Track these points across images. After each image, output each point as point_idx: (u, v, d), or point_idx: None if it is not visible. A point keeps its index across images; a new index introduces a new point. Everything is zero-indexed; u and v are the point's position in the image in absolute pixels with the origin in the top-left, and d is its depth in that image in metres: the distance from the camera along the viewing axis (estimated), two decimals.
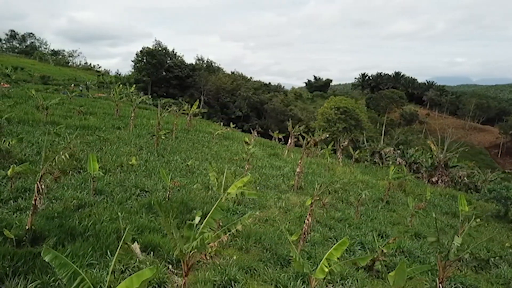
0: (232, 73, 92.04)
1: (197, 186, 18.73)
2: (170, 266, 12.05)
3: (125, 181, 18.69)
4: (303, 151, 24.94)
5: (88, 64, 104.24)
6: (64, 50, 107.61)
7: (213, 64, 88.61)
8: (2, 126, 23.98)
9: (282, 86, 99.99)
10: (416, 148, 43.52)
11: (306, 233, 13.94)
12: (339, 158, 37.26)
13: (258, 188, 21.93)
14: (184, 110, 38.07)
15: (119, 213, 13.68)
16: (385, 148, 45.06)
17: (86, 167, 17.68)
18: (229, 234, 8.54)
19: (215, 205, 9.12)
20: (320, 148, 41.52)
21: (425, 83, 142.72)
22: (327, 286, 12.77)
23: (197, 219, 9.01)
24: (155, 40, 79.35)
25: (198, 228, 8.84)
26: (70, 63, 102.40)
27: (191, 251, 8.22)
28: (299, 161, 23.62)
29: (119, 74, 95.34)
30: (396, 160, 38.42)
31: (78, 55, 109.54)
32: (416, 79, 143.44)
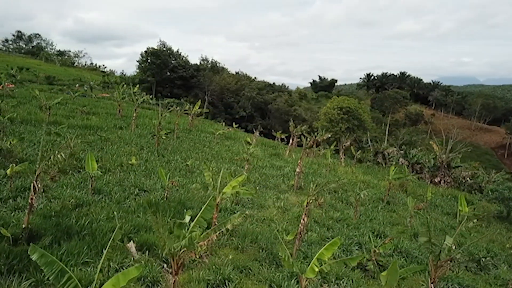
0: (237, 73, 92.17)
1: (196, 186, 18.78)
2: (165, 265, 12.12)
3: (124, 181, 18.81)
4: (303, 151, 24.92)
5: (94, 64, 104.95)
6: (69, 51, 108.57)
7: (217, 64, 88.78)
8: (5, 126, 24.22)
9: (286, 86, 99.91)
10: (419, 148, 43.31)
11: (302, 232, 13.92)
12: (341, 158, 37.19)
13: (257, 188, 21.93)
14: (185, 110, 38.14)
15: (115, 212, 13.73)
16: (388, 149, 44.86)
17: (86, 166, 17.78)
18: (218, 233, 8.56)
19: (205, 204, 9.16)
20: (323, 148, 41.49)
21: (430, 83, 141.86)
22: (322, 286, 12.78)
23: (187, 218, 9.06)
24: (160, 41, 79.72)
25: (188, 228, 8.89)
26: (76, 64, 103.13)
27: (180, 250, 8.26)
28: (299, 161, 23.60)
29: (124, 75, 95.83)
30: (398, 160, 38.24)
31: (84, 55, 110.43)
32: (421, 79, 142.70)
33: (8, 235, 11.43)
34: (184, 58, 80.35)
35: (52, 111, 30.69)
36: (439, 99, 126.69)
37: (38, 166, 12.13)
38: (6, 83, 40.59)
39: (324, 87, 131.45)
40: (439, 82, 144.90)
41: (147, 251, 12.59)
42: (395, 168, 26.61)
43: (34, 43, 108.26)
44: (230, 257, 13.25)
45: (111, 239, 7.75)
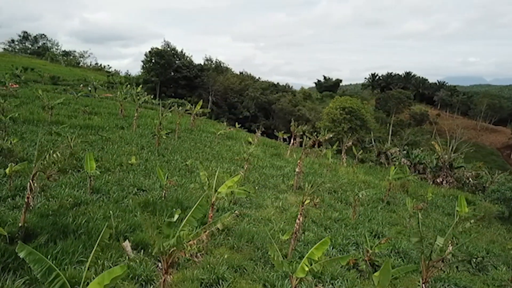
0: (241, 73, 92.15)
1: (194, 185, 18.85)
2: (160, 264, 12.16)
3: (123, 180, 18.92)
4: (302, 151, 24.92)
5: (99, 64, 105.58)
6: (75, 51, 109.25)
7: (221, 65, 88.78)
8: (7, 126, 24.44)
9: (290, 86, 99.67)
10: (422, 148, 43.12)
11: (297, 232, 13.93)
12: (343, 159, 37.13)
13: (256, 187, 21.96)
14: (186, 110, 38.24)
15: (111, 212, 13.83)
16: (391, 149, 44.72)
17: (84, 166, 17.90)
18: (208, 232, 8.60)
19: (196, 204, 9.21)
20: (325, 148, 41.43)
21: (436, 83, 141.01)
22: (316, 286, 12.80)
23: (176, 217, 9.11)
24: (164, 41, 79.89)
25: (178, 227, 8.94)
26: (81, 64, 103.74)
27: (170, 249, 8.31)
28: (299, 161, 23.60)
29: (129, 75, 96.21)
30: (401, 160, 38.12)
31: (89, 55, 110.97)
32: (427, 79, 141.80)
33: (4, 233, 11.54)
34: (188, 58, 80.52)
35: (54, 111, 30.91)
36: (444, 99, 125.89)
37: (34, 165, 12.25)
38: (10, 83, 40.90)
39: (328, 87, 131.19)
40: (444, 82, 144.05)
41: (142, 250, 12.65)
42: (395, 168, 26.55)
43: (40, 44, 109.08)
44: (226, 256, 13.29)
45: (99, 238, 7.80)
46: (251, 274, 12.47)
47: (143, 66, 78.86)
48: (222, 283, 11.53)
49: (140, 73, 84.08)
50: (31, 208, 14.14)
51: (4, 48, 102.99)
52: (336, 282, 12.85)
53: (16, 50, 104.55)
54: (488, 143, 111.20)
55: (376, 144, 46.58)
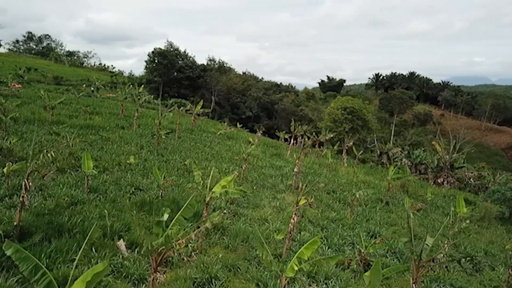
0: (244, 73, 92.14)
1: (192, 185, 18.90)
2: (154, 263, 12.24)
3: (121, 180, 18.99)
4: (301, 151, 24.91)
5: (102, 65, 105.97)
6: (79, 51, 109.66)
7: (224, 65, 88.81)
8: (8, 125, 24.62)
9: (293, 86, 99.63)
10: (423, 148, 42.98)
11: (291, 232, 13.95)
12: (343, 159, 37.08)
13: (254, 187, 22.01)
14: (187, 109, 38.32)
15: (106, 211, 13.90)
16: (393, 149, 44.62)
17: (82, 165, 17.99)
18: (201, 231, 8.64)
19: (186, 203, 9.25)
20: (327, 148, 41.38)
21: (440, 83, 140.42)
22: (310, 285, 12.81)
23: (166, 216, 9.15)
24: (167, 41, 79.99)
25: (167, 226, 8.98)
26: (85, 64, 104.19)
27: (158, 248, 8.35)
28: (297, 161, 23.60)
29: (132, 75, 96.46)
30: (402, 161, 38.03)
31: (93, 56, 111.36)
32: (431, 79, 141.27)
33: None
34: (191, 59, 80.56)
35: (56, 111, 31.10)
36: (448, 99, 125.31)
37: (29, 164, 12.35)
38: (13, 83, 41.18)
39: (332, 87, 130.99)
40: (448, 82, 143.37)
41: (136, 249, 12.70)
42: (394, 168, 26.49)
43: (44, 44, 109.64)
44: (220, 256, 13.33)
45: (87, 237, 7.85)
46: (244, 273, 12.50)
47: (146, 66, 79.03)
48: (215, 283, 11.57)
49: (143, 73, 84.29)
50: (27, 207, 14.31)
51: (9, 49, 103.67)
52: (329, 282, 12.85)
53: (21, 51, 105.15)
54: (493, 143, 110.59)
55: (378, 144, 46.46)
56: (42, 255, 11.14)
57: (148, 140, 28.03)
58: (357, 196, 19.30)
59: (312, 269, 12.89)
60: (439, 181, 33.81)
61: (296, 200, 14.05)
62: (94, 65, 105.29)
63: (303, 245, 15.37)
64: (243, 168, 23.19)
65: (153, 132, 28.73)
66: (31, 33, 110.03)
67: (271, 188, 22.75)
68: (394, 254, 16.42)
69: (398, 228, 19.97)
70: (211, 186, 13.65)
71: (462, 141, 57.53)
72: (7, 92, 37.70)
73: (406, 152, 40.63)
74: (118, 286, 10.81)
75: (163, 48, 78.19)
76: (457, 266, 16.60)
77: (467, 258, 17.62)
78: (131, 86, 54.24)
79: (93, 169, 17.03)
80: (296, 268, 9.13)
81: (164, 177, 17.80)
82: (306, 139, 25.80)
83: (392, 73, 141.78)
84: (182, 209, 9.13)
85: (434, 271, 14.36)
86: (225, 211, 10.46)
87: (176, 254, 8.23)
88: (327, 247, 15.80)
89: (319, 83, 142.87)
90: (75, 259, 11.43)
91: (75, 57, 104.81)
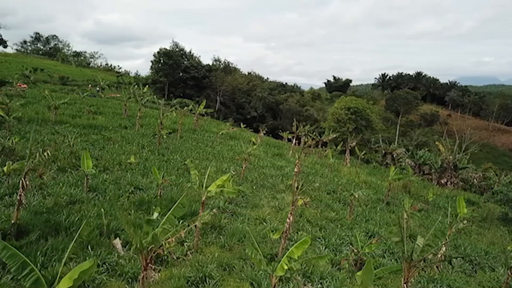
0: (249, 73, 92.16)
1: (191, 184, 18.99)
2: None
3: (121, 179, 19.12)
4: (301, 151, 24.91)
5: (109, 65, 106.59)
6: (85, 52, 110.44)
7: (230, 65, 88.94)
8: (11, 125, 24.90)
9: (298, 86, 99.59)
10: (427, 149, 42.72)
11: (287, 231, 13.96)
12: (346, 159, 36.98)
13: (254, 187, 22.04)
14: (190, 109, 38.43)
15: (102, 210, 14.01)
16: (397, 150, 44.42)
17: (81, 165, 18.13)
18: (186, 230, 8.69)
19: (177, 202, 9.30)
20: (330, 148, 41.30)
21: (447, 83, 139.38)
22: (305, 285, 12.82)
23: (155, 215, 9.21)
24: (172, 41, 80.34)
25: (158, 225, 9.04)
26: (91, 64, 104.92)
27: (148, 246, 8.42)
28: (297, 161, 23.59)
29: (138, 75, 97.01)
30: (405, 161, 37.84)
31: (99, 56, 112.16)
32: (438, 79, 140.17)
33: None
34: (196, 59, 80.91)
35: (59, 110, 31.37)
36: (455, 99, 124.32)
37: (26, 163, 12.49)
38: (18, 83, 41.61)
39: (338, 87, 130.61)
40: (456, 82, 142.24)
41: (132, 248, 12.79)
42: (397, 168, 26.40)
43: (52, 45, 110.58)
44: (216, 255, 13.40)
45: (77, 234, 7.94)
46: (239, 272, 12.54)
47: (151, 66, 79.51)
48: (209, 281, 11.61)
49: (149, 74, 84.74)
50: (26, 205, 14.46)
51: (17, 49, 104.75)
52: (325, 281, 12.85)
53: (28, 51, 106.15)
54: (500, 144, 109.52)
55: (382, 144, 46.28)
56: (38, 253, 11.28)
57: (149, 140, 28.18)
58: (356, 196, 19.25)
59: (302, 268, 12.91)
60: (442, 181, 33.58)
61: (292, 200, 14.05)
62: (101, 65, 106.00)
63: None
64: (243, 167, 23.23)
65: (155, 132, 28.86)
66: (38, 33, 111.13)
67: (271, 188, 22.75)
68: (392, 254, 16.36)
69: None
70: (207, 186, 13.72)
71: (468, 141, 57.16)
72: (12, 92, 38.10)
73: (410, 152, 40.40)
74: (112, 284, 10.91)
75: (168, 48, 78.64)
76: (456, 266, 16.51)
77: (467, 259, 17.56)
78: (136, 86, 54.53)
79: (92, 168, 17.17)
80: (286, 267, 9.15)
81: (163, 176, 17.89)
82: (306, 139, 25.72)
83: (398, 73, 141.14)
84: (173, 208, 9.20)
85: (425, 271, 14.26)
86: (214, 210, 10.47)
87: (166, 252, 8.25)
88: (324, 247, 15.79)
89: (325, 83, 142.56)
90: (71, 257, 11.63)
91: (82, 58, 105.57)
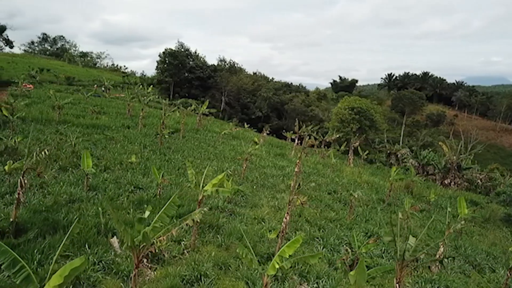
0: (254, 73, 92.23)
1: (189, 184, 19.08)
2: (145, 260, 12.40)
3: (121, 178, 19.25)
4: (302, 150, 24.88)
5: (115, 65, 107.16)
6: (92, 52, 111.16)
7: (235, 65, 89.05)
8: (15, 125, 25.15)
9: (304, 86, 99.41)
10: (430, 149, 42.44)
11: (284, 231, 13.98)
12: (349, 159, 36.89)
13: (254, 187, 22.08)
14: (193, 109, 38.56)
15: (100, 208, 14.12)
16: (401, 150, 44.20)
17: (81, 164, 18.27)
18: (183, 229, 8.75)
19: (169, 201, 9.37)
20: (334, 148, 41.24)
21: (454, 83, 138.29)
22: (301, 284, 12.85)
23: (147, 213, 9.29)
24: (178, 42, 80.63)
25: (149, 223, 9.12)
26: (98, 65, 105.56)
27: (139, 244, 8.49)
28: (298, 160, 23.56)
29: (144, 75, 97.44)
30: (409, 161, 37.65)
31: (106, 56, 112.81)
32: (444, 79, 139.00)
33: None
34: (201, 59, 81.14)
35: (64, 110, 31.63)
36: (462, 99, 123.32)
37: (24, 162, 12.64)
38: (24, 84, 42.00)
39: (344, 87, 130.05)
40: (463, 82, 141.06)
41: None
42: (401, 169, 26.31)
43: (59, 45, 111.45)
44: (212, 254, 13.47)
45: (68, 232, 8.03)
46: (234, 271, 12.60)
47: (157, 66, 79.89)
48: (204, 280, 11.67)
49: (155, 74, 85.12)
50: (26, 204, 14.65)
51: (25, 50, 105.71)
52: (320, 281, 12.87)
53: (36, 52, 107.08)
54: (508, 144, 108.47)
55: (385, 145, 46.08)
56: (35, 251, 11.42)
57: (152, 140, 28.33)
58: (355, 196, 19.22)
59: (298, 267, 12.94)
60: (446, 182, 33.38)
61: (289, 200, 14.07)
62: (107, 65, 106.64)
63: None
64: (244, 167, 23.27)
65: (157, 131, 29.00)
66: (45, 34, 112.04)
67: (271, 187, 22.78)
68: (390, 254, 16.31)
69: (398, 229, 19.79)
70: (204, 185, 13.78)
71: (474, 141, 56.73)
72: (17, 92, 38.48)
73: (413, 152, 40.21)
74: (107, 282, 11.00)
75: (173, 48, 78.94)
76: (455, 267, 16.43)
77: (467, 260, 17.47)
78: (140, 86, 54.77)
79: (92, 167, 17.31)
80: (277, 266, 9.17)
81: (163, 176, 17.99)
82: (307, 138, 25.72)
83: (405, 73, 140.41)
84: (165, 206, 9.26)
85: (417, 271, 14.23)
86: (205, 209, 10.51)
87: (157, 250, 8.31)
88: (322, 247, 15.80)
89: (331, 83, 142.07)
90: (68, 255, 11.77)
91: (89, 58, 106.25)
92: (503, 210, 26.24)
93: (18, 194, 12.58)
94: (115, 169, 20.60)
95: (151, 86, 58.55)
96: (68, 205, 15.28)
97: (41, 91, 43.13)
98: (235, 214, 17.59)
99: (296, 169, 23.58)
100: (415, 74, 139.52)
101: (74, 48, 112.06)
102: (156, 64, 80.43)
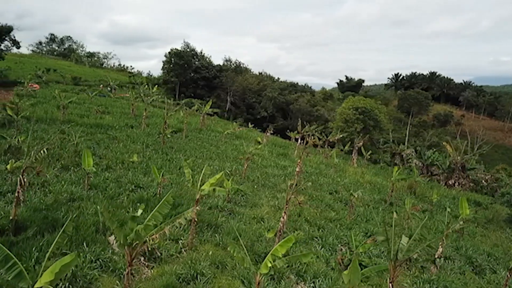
0: (260, 73, 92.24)
1: (187, 183, 19.16)
2: (142, 258, 12.51)
3: (122, 177, 19.39)
4: (303, 150, 24.90)
5: (122, 65, 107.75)
6: (99, 52, 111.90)
7: (241, 65, 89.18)
8: (20, 124, 25.42)
9: (309, 86, 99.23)
10: (434, 150, 42.20)
11: (281, 230, 14.02)
12: (353, 159, 36.79)
13: (255, 186, 22.13)
14: (196, 109, 38.67)
15: (98, 207, 14.24)
16: (406, 150, 43.99)
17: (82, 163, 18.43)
18: (170, 227, 8.83)
19: (163, 200, 9.44)
20: (338, 148, 41.14)
21: (462, 83, 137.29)
22: (298, 283, 12.87)
23: (140, 211, 9.37)
24: (184, 42, 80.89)
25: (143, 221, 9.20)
26: (105, 65, 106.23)
27: (132, 242, 8.57)
28: (299, 160, 23.60)
29: (151, 75, 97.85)
30: (413, 162, 37.47)
31: (112, 57, 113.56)
32: (452, 79, 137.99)
33: None
34: (207, 59, 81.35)
35: (68, 110, 31.90)
36: (470, 99, 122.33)
37: (24, 161, 12.80)
38: (30, 84, 42.41)
39: (351, 87, 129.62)
40: (470, 82, 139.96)
41: None
42: (404, 169, 26.20)
43: (66, 45, 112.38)
44: (210, 253, 13.53)
45: (61, 231, 8.13)
46: (231, 270, 12.65)
47: (163, 66, 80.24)
48: (200, 279, 11.74)
49: (161, 74, 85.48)
50: (27, 202, 14.84)
51: (32, 50, 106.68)
52: (317, 280, 12.88)
53: (43, 52, 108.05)
54: None
55: (389, 145, 45.89)
56: (33, 248, 11.56)
57: (154, 139, 28.49)
58: (356, 196, 19.19)
59: (296, 267, 12.95)
60: (450, 182, 33.17)
61: (286, 199, 14.10)
62: (114, 65, 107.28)
63: (296, 243, 15.52)
64: (245, 167, 23.33)
65: (160, 131, 29.17)
66: (53, 34, 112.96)
67: (272, 187, 22.81)
68: (389, 254, 16.24)
69: (399, 229, 19.73)
70: (202, 184, 13.86)
71: (480, 142, 56.25)
72: (23, 92, 38.87)
73: (417, 153, 40.00)
74: (104, 280, 11.12)
75: (179, 48, 79.24)
76: (455, 268, 16.35)
77: (467, 261, 17.37)
78: (146, 86, 55.00)
79: (93, 166, 17.46)
80: (269, 265, 9.21)
81: (163, 175, 18.10)
82: (310, 138, 25.70)
83: (412, 73, 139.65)
84: (158, 205, 9.34)
85: (410, 271, 14.18)
86: (198, 207, 10.58)
87: (150, 248, 8.39)
88: (320, 247, 15.79)
89: (337, 83, 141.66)
90: (66, 253, 11.88)
91: (95, 58, 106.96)
92: (507, 211, 26.03)
93: (18, 192, 12.76)
94: (117, 168, 20.75)
95: (156, 86, 58.75)
96: (68, 204, 15.45)
97: (47, 91, 43.53)
98: (235, 213, 17.65)
99: (297, 169, 23.73)
100: (422, 74, 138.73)
101: (81, 49, 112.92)
102: (162, 64, 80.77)
